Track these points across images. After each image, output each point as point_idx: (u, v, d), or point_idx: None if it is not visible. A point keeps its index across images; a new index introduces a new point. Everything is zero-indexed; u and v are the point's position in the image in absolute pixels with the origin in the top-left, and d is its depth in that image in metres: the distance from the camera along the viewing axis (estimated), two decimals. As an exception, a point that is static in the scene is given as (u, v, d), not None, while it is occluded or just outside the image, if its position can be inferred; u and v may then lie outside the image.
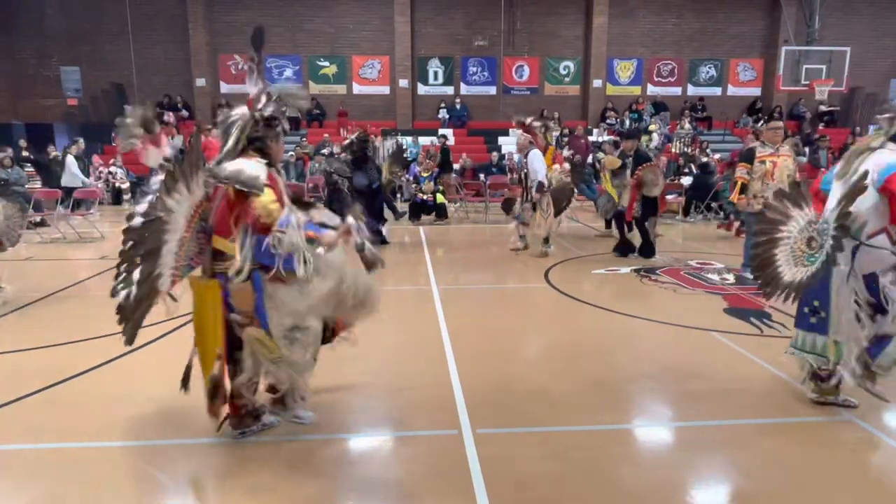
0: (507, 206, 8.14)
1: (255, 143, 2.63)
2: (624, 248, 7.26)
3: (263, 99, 2.65)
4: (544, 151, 7.92)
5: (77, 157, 12.17)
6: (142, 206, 2.55)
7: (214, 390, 2.63)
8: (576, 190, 8.15)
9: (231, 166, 2.50)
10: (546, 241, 7.28)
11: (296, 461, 2.66)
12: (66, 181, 11.85)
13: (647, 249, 7.12)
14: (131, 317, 2.55)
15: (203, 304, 2.61)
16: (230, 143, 2.59)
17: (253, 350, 2.59)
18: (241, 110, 2.65)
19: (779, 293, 2.97)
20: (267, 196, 2.46)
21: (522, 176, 7.35)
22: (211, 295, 2.57)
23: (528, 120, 7.53)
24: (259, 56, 2.71)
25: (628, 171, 7.02)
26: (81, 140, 13.00)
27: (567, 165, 8.12)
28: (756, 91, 18.01)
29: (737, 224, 8.98)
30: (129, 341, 2.59)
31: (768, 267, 3.02)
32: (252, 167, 2.50)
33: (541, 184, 6.98)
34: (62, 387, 3.43)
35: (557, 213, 7.16)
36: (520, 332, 4.60)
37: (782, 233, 2.98)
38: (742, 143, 16.08)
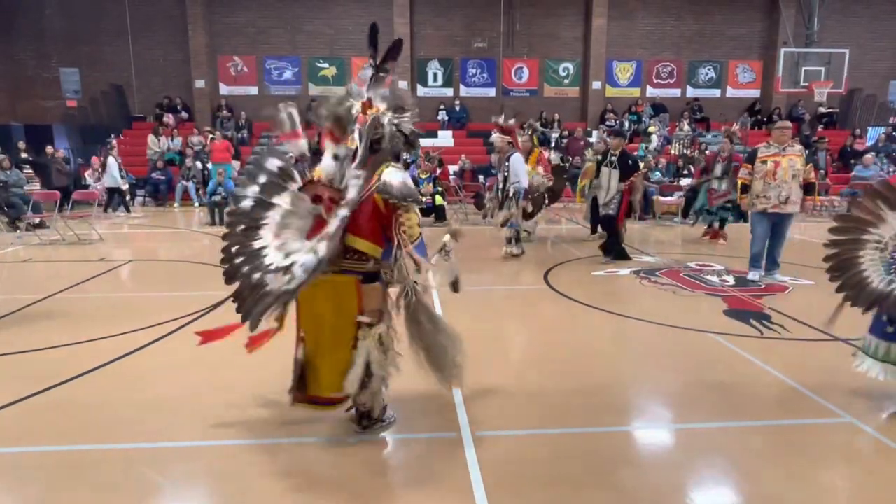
0: (478, 202, 8.10)
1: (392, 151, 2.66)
2: (619, 251, 7.18)
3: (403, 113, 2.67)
4: (529, 153, 7.92)
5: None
6: (252, 189, 2.63)
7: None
8: (546, 196, 8.07)
9: (396, 181, 2.54)
10: (515, 240, 7.22)
11: (293, 465, 2.65)
12: (107, 182, 12.39)
13: (620, 251, 7.15)
14: (254, 298, 2.47)
15: (337, 298, 2.62)
16: (363, 150, 2.56)
17: (368, 350, 2.62)
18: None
19: (864, 300, 2.84)
20: (415, 216, 2.59)
21: (501, 179, 7.16)
22: (348, 291, 2.61)
23: (502, 119, 7.50)
24: (377, 57, 2.72)
25: (603, 173, 7.06)
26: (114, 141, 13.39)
27: (540, 168, 8.10)
28: (755, 93, 18.01)
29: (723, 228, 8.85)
30: (254, 326, 2.49)
31: (850, 269, 2.86)
32: (409, 180, 2.61)
33: (525, 191, 6.92)
34: (60, 389, 3.42)
35: (528, 217, 7.12)
36: (519, 334, 4.59)
37: (871, 235, 2.83)
38: (743, 145, 16.11)
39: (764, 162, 5.80)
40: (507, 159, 7.00)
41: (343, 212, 2.44)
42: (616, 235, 7.11)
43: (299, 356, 2.70)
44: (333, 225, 2.42)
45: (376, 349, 2.62)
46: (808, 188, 5.77)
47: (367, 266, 2.61)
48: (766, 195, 5.76)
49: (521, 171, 6.94)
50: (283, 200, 2.61)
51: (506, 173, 7.00)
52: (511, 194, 6.91)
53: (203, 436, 2.89)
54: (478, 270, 6.89)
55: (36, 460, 2.71)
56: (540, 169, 8.13)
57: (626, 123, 16.77)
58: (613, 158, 6.94)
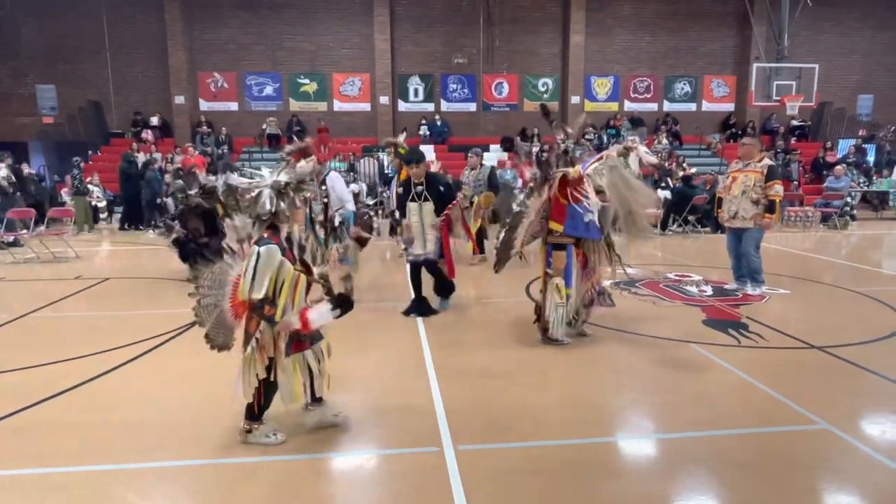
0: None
1: None
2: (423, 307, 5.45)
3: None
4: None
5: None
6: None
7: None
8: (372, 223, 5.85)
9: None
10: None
11: (275, 482, 2.62)
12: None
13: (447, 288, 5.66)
14: (502, 255, 4.53)
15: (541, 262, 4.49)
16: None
17: (550, 291, 4.34)
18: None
19: None
20: None
21: (322, 206, 5.47)
22: (543, 255, 4.45)
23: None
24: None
25: (410, 211, 5.34)
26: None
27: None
28: (730, 106, 18.42)
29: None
30: (498, 270, 4.65)
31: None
32: None
33: (356, 214, 5.61)
34: (34, 410, 3.35)
35: (363, 244, 5.68)
36: (500, 347, 4.58)
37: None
38: (719, 158, 16.42)
39: (727, 177, 6.10)
40: (323, 183, 5.42)
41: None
42: (441, 275, 5.51)
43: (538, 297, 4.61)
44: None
45: (556, 292, 4.32)
46: (768, 206, 5.73)
47: (554, 238, 4.36)
48: (723, 209, 6.06)
49: (344, 192, 5.57)
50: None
51: (326, 198, 5.43)
52: (338, 223, 5.49)
53: (182, 455, 2.85)
54: (459, 284, 6.87)
55: (9, 483, 2.64)
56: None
57: (605, 137, 17.00)
58: (420, 188, 5.25)
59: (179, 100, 16.73)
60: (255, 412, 2.89)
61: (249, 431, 2.90)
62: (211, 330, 2.84)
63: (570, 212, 4.25)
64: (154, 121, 16.55)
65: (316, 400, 3.05)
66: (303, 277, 2.78)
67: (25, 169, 12.70)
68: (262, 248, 2.64)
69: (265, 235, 2.71)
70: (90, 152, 15.81)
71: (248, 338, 2.75)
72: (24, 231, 9.27)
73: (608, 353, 4.35)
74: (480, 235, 7.90)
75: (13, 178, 11.67)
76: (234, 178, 2.75)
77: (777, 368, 3.99)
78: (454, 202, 5.38)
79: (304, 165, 5.13)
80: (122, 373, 3.94)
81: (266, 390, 2.85)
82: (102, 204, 13.39)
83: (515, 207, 4.59)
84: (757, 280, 6.04)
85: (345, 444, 2.99)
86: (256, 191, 2.69)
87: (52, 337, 4.83)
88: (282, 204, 2.70)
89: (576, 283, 4.48)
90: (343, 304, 2.78)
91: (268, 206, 2.67)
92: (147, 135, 15.87)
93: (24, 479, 2.68)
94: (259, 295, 2.62)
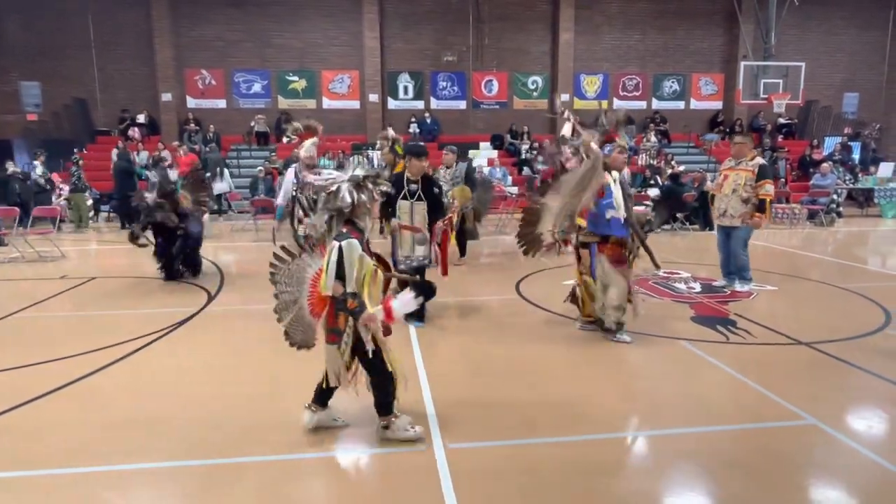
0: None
1: None
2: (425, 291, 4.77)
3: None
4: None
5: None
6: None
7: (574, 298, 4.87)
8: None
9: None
10: None
11: (263, 482, 2.60)
12: (218, 188, 13.27)
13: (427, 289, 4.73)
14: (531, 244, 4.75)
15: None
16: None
17: (581, 285, 4.67)
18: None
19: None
20: None
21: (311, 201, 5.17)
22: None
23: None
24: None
25: (401, 209, 4.77)
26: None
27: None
28: (718, 104, 18.53)
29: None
30: (528, 253, 4.84)
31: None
32: None
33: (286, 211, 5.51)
34: (19, 411, 3.30)
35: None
36: (491, 345, 4.59)
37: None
38: (707, 156, 16.52)
39: (720, 175, 6.15)
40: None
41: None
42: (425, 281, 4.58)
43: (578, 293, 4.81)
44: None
45: (585, 288, 4.64)
46: (758, 204, 5.74)
47: (583, 235, 4.63)
48: (714, 206, 6.10)
49: (286, 186, 5.75)
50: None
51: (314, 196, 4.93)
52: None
53: (169, 457, 2.82)
54: (449, 281, 6.87)
55: (-9, 487, 2.60)
56: None
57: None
58: (414, 187, 4.71)
59: (166, 97, 16.56)
60: (386, 407, 2.92)
61: (387, 427, 2.93)
62: (289, 326, 2.90)
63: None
64: (141, 118, 16.40)
65: (320, 403, 3.04)
66: (379, 271, 2.83)
67: (10, 167, 12.51)
68: (344, 243, 2.66)
69: (344, 230, 2.73)
70: (76, 150, 15.61)
71: (339, 333, 2.78)
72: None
73: (597, 351, 4.36)
74: (462, 237, 7.74)
75: (48, 174, 11.71)
76: (312, 177, 2.79)
77: (765, 365, 4.03)
78: (450, 215, 5.50)
79: (311, 146, 5.48)
80: (109, 373, 3.90)
81: (389, 381, 2.89)
82: (89, 203, 13.22)
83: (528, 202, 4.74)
84: (745, 277, 6.09)
85: (335, 444, 2.98)
86: (335, 186, 2.72)
87: (38, 337, 4.77)
88: (362, 197, 2.73)
89: (600, 283, 4.49)
90: (426, 290, 2.79)
91: (348, 199, 2.70)
92: (134, 132, 15.70)
93: (10, 481, 2.64)
94: (350, 289, 2.66)
